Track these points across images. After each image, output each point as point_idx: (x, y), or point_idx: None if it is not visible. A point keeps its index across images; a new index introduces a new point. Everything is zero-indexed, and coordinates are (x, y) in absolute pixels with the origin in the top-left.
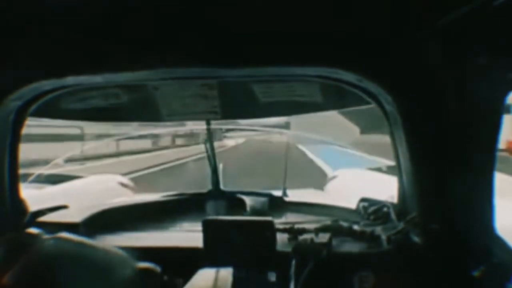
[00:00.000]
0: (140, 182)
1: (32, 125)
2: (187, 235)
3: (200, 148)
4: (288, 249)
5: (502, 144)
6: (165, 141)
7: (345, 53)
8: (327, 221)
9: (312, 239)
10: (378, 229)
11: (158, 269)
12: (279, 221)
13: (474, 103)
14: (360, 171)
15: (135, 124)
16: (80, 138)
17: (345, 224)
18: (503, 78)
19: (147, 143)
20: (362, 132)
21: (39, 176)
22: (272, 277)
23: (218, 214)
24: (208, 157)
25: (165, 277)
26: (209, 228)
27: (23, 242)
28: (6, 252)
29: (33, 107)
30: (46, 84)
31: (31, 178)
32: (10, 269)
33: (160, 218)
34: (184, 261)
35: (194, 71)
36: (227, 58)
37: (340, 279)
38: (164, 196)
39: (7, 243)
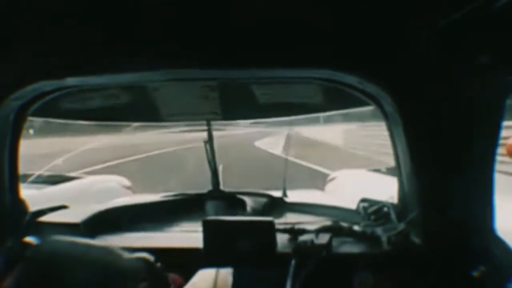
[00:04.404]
0: None
1: None
2: (187, 235)
3: None
4: (288, 249)
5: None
6: None
7: (345, 54)
8: (327, 221)
9: (312, 240)
10: (379, 230)
11: (151, 257)
12: (279, 222)
13: (474, 104)
14: (360, 172)
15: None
16: None
17: (345, 224)
18: (503, 79)
19: None
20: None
21: (39, 176)
22: (272, 277)
23: (218, 214)
24: (208, 158)
25: (158, 264)
26: (209, 229)
27: (20, 250)
28: (4, 260)
29: (34, 107)
30: (47, 85)
31: (31, 178)
32: (8, 276)
33: (160, 218)
34: (184, 261)
35: (195, 72)
36: (228, 60)
37: (340, 279)
38: (164, 196)
39: (5, 252)
